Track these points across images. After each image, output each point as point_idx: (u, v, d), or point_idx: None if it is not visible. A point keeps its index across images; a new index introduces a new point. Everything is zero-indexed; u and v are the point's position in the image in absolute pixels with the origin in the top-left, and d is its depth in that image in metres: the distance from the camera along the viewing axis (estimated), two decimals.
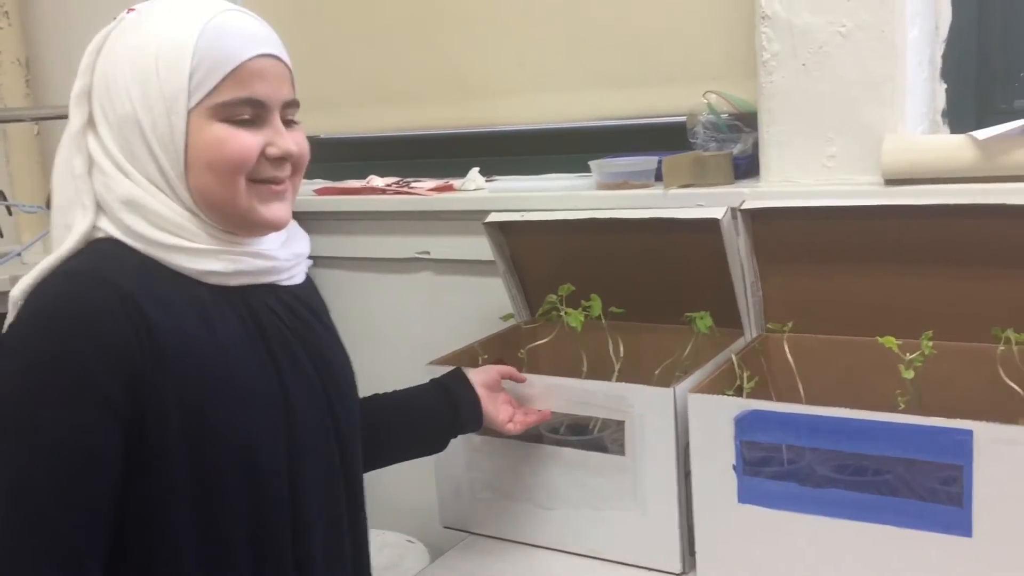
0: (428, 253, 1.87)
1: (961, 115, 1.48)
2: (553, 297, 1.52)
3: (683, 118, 1.65)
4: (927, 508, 1.11)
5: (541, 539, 1.41)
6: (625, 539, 1.33)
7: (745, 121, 1.59)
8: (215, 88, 0.92)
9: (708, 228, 1.40)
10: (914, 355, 1.19)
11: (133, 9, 0.98)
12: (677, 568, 1.30)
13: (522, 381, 1.37)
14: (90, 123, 0.96)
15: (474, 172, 1.84)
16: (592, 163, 1.67)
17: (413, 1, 1.96)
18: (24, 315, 0.89)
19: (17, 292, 0.92)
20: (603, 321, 1.48)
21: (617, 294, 1.51)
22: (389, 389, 1.31)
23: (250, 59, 0.94)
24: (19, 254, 2.08)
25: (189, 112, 0.92)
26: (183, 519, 0.90)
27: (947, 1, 1.45)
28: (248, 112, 0.94)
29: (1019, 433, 1.03)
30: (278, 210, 0.98)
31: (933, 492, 1.10)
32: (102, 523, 0.87)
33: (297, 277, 1.04)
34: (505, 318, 1.65)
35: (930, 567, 1.11)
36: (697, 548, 1.27)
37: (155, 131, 0.93)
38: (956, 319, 1.28)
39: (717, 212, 1.40)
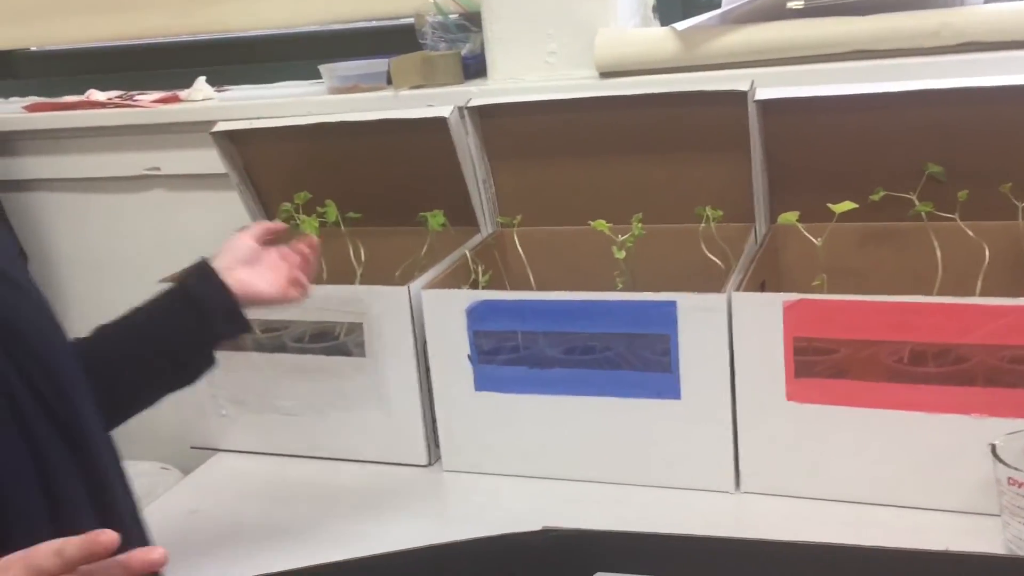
0: (158, 169, 1.78)
1: (670, 10, 1.55)
2: (288, 205, 1.49)
3: (411, 20, 1.64)
4: (642, 377, 1.19)
5: (290, 448, 1.41)
6: (373, 438, 1.35)
7: (472, 21, 1.60)
8: None
9: (438, 127, 1.42)
10: (625, 237, 1.26)
11: None
12: (423, 460, 1.34)
13: (282, 229, 1.17)
14: None
15: (200, 81, 1.75)
16: (322, 67, 1.63)
17: None
18: None
19: None
20: (341, 227, 1.48)
21: (354, 199, 1.50)
22: None
23: None
24: None
25: None
26: None
27: None
28: None
29: (714, 301, 1.13)
30: None
31: (648, 363, 1.19)
32: None
33: None
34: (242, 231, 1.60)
35: (647, 430, 1.20)
36: (440, 438, 1.32)
37: None
38: (663, 202, 1.37)
39: (445, 111, 1.41)
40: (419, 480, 1.32)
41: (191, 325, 1.04)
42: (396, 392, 1.32)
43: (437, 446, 1.34)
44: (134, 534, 0.93)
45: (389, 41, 1.74)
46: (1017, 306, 1.03)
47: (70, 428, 0.85)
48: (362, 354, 1.33)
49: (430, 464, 1.34)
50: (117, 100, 1.80)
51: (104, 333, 1.03)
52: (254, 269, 1.09)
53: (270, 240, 1.14)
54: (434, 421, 1.32)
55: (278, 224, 1.15)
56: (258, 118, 1.56)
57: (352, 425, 1.36)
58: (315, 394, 1.37)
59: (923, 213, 1.23)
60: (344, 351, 1.36)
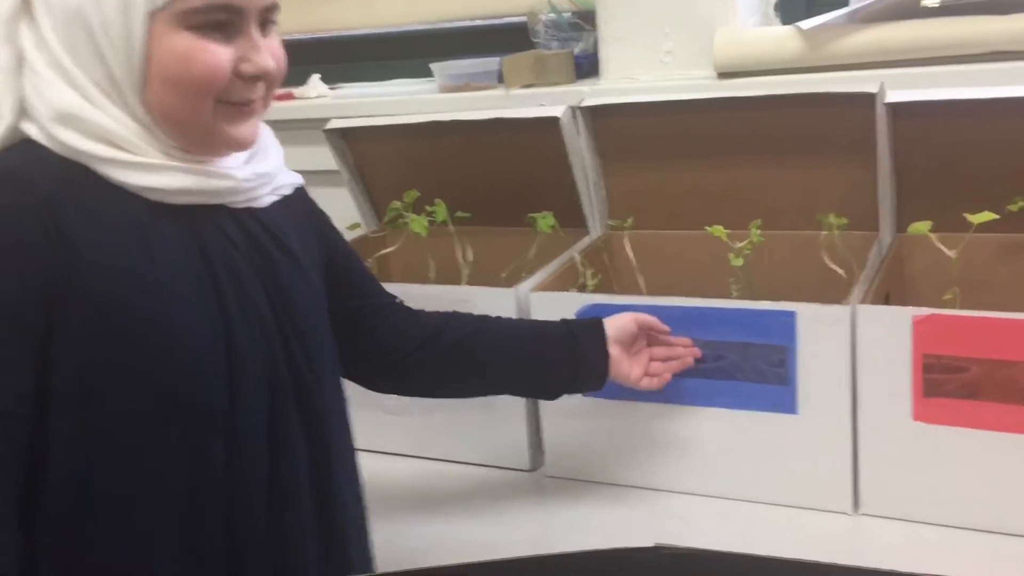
0: None
1: (793, 8, 1.50)
2: (398, 204, 1.49)
3: (525, 18, 1.63)
4: (758, 389, 1.15)
5: (391, 447, 1.40)
6: (478, 441, 1.34)
7: (586, 19, 1.58)
8: None
9: (549, 127, 1.40)
10: (743, 243, 1.22)
11: None
12: (527, 465, 1.32)
13: (666, 333, 1.18)
14: (25, 7, 0.80)
15: (315, 79, 1.78)
16: (434, 66, 1.63)
17: None
18: None
19: None
20: (449, 226, 1.47)
21: (463, 198, 1.49)
22: None
23: None
24: None
25: (149, 15, 0.77)
26: (92, 467, 0.79)
27: None
28: (222, 16, 0.79)
29: (838, 312, 1.08)
30: (245, 129, 0.84)
31: (763, 374, 1.14)
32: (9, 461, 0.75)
33: (262, 200, 0.89)
34: (351, 227, 1.61)
35: (761, 444, 1.16)
36: (545, 444, 1.30)
37: (107, 33, 0.78)
38: (783, 208, 1.32)
39: (557, 111, 1.39)
40: (522, 484, 1.30)
41: (563, 370, 1.13)
42: (503, 396, 1.30)
43: (541, 451, 1.31)
44: (351, 516, 0.97)
45: (500, 40, 1.73)
46: None
47: (310, 403, 0.90)
48: None
49: (533, 469, 1.32)
50: None
51: (488, 327, 1.14)
52: (628, 350, 1.15)
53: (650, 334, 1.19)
54: (539, 426, 1.30)
55: (663, 327, 1.18)
56: (370, 116, 1.56)
57: (456, 427, 1.35)
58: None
59: None
60: None
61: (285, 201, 0.93)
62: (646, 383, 1.15)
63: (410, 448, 1.39)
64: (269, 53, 0.82)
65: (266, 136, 0.91)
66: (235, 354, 0.83)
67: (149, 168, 0.80)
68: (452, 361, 1.10)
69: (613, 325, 1.14)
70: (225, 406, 0.82)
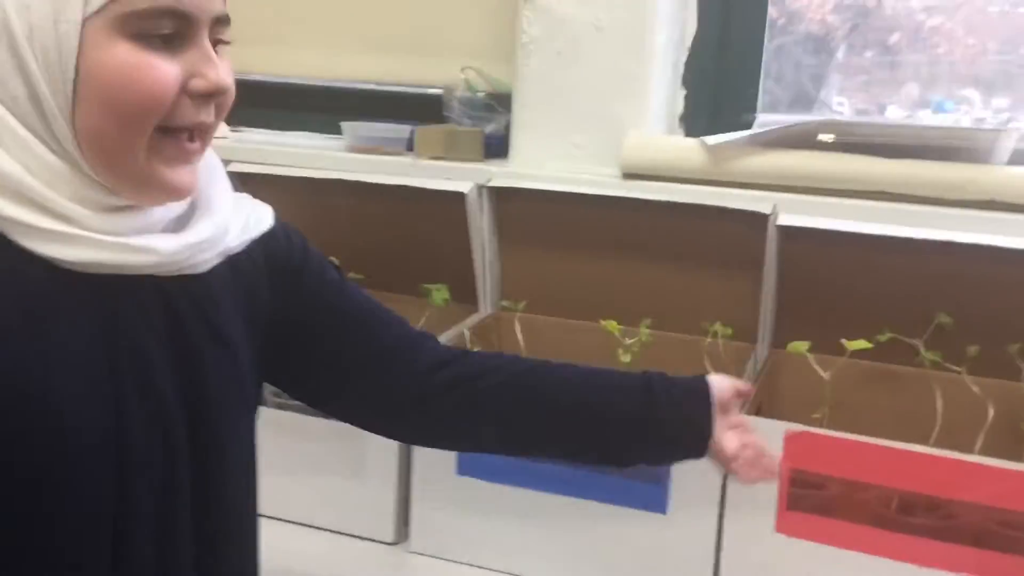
0: None
1: (696, 121, 1.57)
2: None
3: (439, 90, 1.65)
4: (630, 485, 1.16)
5: None
6: (341, 507, 1.31)
7: (500, 101, 1.61)
8: None
9: (454, 201, 1.41)
10: (632, 340, 1.25)
11: None
12: (390, 538, 1.29)
13: (749, 396, 1.02)
14: None
15: None
16: (345, 124, 1.62)
17: None
18: None
19: None
20: None
21: (358, 261, 1.47)
22: None
23: None
24: None
25: (85, 21, 0.66)
26: None
27: (693, 13, 1.53)
28: (169, 26, 0.68)
29: None
30: (185, 174, 0.72)
31: (636, 472, 1.16)
32: None
33: (199, 267, 0.76)
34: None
35: (628, 541, 1.17)
36: (412, 518, 1.27)
37: (32, 42, 0.66)
38: (672, 310, 1.36)
39: (464, 186, 1.41)
40: (382, 558, 1.28)
41: (637, 428, 0.93)
42: (373, 462, 1.28)
43: (406, 525, 1.29)
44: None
45: (410, 108, 1.74)
46: (1015, 470, 1.02)
47: (211, 503, 0.80)
48: None
49: (396, 543, 1.29)
50: None
51: (566, 375, 0.96)
52: (725, 417, 0.94)
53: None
54: (407, 498, 1.28)
55: (751, 390, 1.01)
56: (273, 164, 1.54)
57: (321, 490, 1.31)
58: (286, 454, 1.32)
59: (928, 361, 1.23)
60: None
61: (239, 256, 0.81)
62: (744, 473, 0.94)
63: (269, 507, 1.34)
64: (223, 70, 0.71)
65: (215, 187, 0.78)
66: (126, 449, 0.72)
67: (53, 237, 0.68)
68: (514, 397, 0.93)
69: (715, 384, 0.94)
70: (110, 498, 0.72)
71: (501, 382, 0.93)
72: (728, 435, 0.93)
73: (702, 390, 0.93)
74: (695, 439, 0.93)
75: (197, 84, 0.69)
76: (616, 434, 0.93)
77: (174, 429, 0.76)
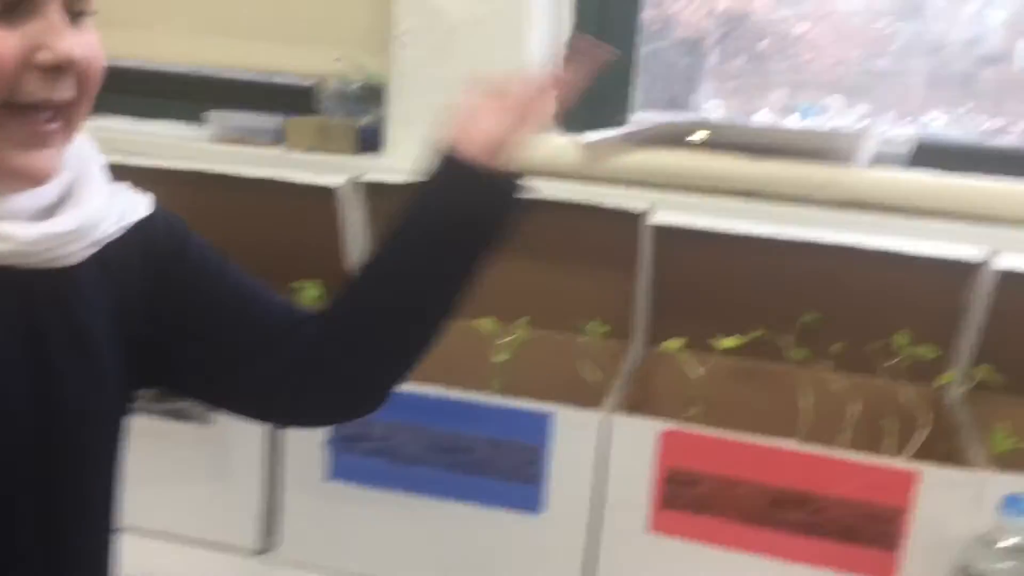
0: None
1: (572, 119, 1.56)
2: None
3: (311, 81, 1.60)
4: (503, 487, 1.15)
5: None
6: (203, 514, 1.25)
7: (374, 94, 1.57)
8: None
9: (325, 196, 1.36)
10: (510, 339, 1.23)
11: None
12: (257, 546, 1.24)
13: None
14: None
15: None
16: (212, 113, 1.55)
17: None
18: None
19: None
20: None
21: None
22: None
23: None
24: None
25: None
26: None
27: (568, 10, 1.53)
28: None
29: (592, 417, 1.10)
30: (40, 159, 0.66)
31: (512, 472, 1.14)
32: None
33: (68, 258, 0.70)
34: None
35: (502, 543, 1.15)
36: (284, 524, 1.22)
37: None
38: (548, 309, 1.35)
39: (337, 181, 1.36)
40: (248, 568, 1.22)
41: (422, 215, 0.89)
42: (239, 467, 1.22)
43: (275, 531, 1.24)
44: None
45: (281, 98, 1.68)
46: (879, 465, 1.05)
47: (60, 507, 0.74)
48: (207, 421, 1.23)
49: (263, 551, 1.24)
50: None
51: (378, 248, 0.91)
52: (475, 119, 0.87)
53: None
54: (275, 505, 1.23)
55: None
56: (131, 154, 1.45)
57: (182, 498, 1.24)
58: (146, 461, 1.24)
59: (796, 359, 1.25)
60: (184, 416, 1.25)
61: (112, 252, 0.75)
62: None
63: (127, 518, 1.27)
64: (76, 41, 0.65)
65: (87, 175, 0.72)
66: None
67: None
68: (360, 295, 0.90)
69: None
70: None
71: (347, 296, 0.90)
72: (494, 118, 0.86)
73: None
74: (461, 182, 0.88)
75: (43, 57, 0.63)
76: (426, 249, 0.90)
77: (18, 435, 0.70)
